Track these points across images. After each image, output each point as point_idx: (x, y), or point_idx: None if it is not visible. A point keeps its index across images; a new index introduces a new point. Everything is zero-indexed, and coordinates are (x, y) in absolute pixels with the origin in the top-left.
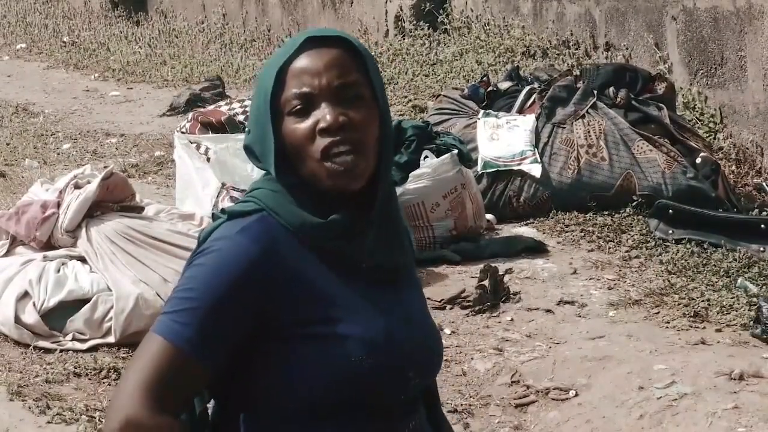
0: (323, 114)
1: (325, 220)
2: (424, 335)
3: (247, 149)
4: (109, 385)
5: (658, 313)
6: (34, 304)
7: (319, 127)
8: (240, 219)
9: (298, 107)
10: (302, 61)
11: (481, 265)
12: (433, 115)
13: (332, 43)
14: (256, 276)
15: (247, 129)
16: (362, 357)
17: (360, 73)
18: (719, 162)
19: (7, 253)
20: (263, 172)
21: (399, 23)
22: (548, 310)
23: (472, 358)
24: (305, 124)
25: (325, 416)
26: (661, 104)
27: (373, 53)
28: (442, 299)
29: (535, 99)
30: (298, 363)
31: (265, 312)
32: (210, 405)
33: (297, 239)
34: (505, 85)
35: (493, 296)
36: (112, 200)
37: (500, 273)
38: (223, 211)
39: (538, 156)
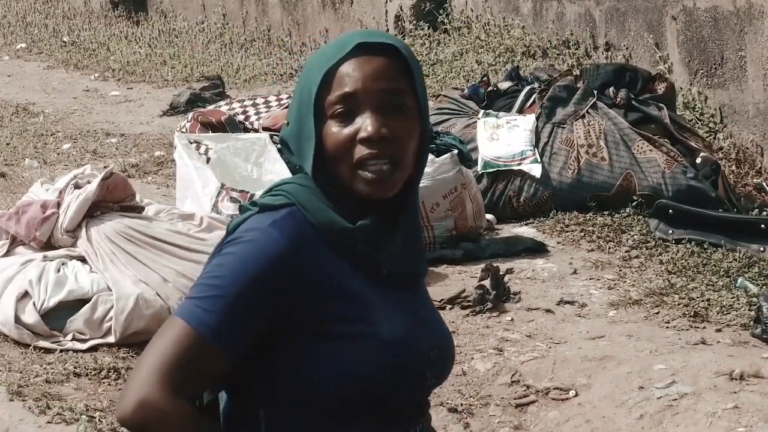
0: (365, 123)
1: (354, 226)
2: (440, 337)
3: (283, 142)
4: (109, 385)
5: (658, 313)
6: (34, 304)
7: (359, 137)
8: (271, 212)
9: (341, 111)
10: (350, 66)
11: (481, 265)
12: (433, 115)
13: (382, 51)
14: (285, 269)
15: (286, 122)
16: (386, 357)
17: (406, 83)
18: (719, 162)
19: (7, 253)
20: (265, 173)
21: (399, 23)
22: (548, 310)
23: (472, 358)
24: (347, 130)
25: (344, 415)
26: (661, 104)
27: None
28: (442, 299)
29: (535, 99)
30: (322, 360)
31: (291, 306)
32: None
33: (324, 238)
34: (505, 85)
35: (495, 297)
36: (112, 200)
37: (501, 273)
38: (254, 203)
39: (538, 156)
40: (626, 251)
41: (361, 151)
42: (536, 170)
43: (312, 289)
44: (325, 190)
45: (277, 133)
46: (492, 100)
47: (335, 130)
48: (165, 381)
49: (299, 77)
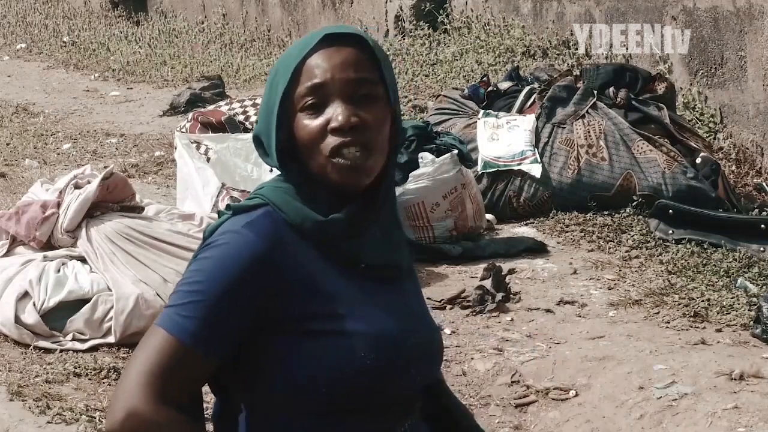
0: (335, 113)
1: (326, 218)
2: (425, 332)
3: (256, 140)
4: (109, 385)
5: (658, 313)
6: (34, 304)
7: (330, 126)
8: (245, 214)
9: (311, 103)
10: (318, 59)
11: (481, 265)
12: (433, 115)
13: (348, 41)
14: (262, 270)
15: (256, 119)
16: (367, 353)
17: (374, 72)
18: (719, 162)
19: (7, 253)
20: (265, 173)
21: (399, 23)
22: (548, 310)
23: (472, 358)
24: (317, 122)
25: (328, 413)
26: (661, 104)
27: None
28: (442, 299)
29: (535, 99)
30: (304, 358)
31: (271, 306)
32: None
33: (301, 235)
34: (505, 85)
35: (502, 299)
36: (112, 200)
37: (503, 273)
38: (228, 207)
39: (538, 156)
40: (626, 251)
41: (333, 140)
42: (536, 170)
43: (290, 288)
44: (300, 188)
45: None
46: (492, 100)
47: (306, 122)
48: (151, 390)
49: (269, 76)
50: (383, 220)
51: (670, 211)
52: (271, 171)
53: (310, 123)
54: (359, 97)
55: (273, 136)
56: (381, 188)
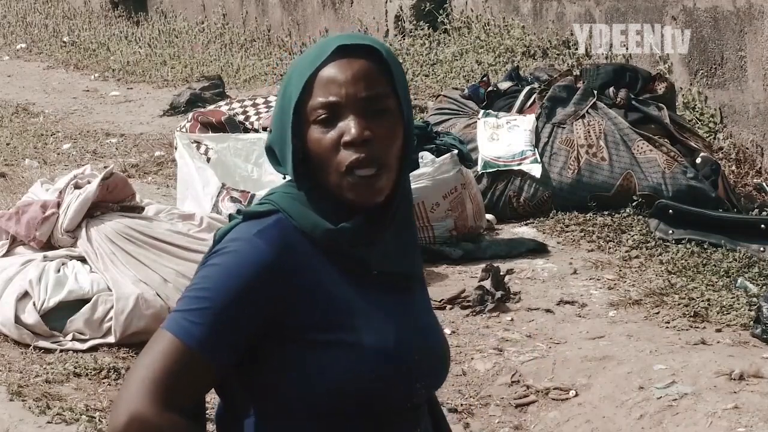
0: (348, 127)
1: (336, 227)
2: (433, 344)
3: (268, 150)
4: (109, 385)
5: (658, 313)
6: (34, 304)
7: (343, 140)
8: (256, 221)
9: (324, 116)
10: (330, 71)
11: (481, 265)
12: (433, 115)
13: (362, 53)
14: (270, 278)
15: (269, 129)
16: (372, 366)
17: (387, 85)
18: (719, 162)
19: (7, 253)
20: (265, 173)
21: (399, 23)
22: (548, 310)
23: (472, 358)
24: (330, 135)
25: (331, 422)
26: (661, 104)
27: None
28: (442, 299)
29: (535, 99)
30: (308, 367)
31: (278, 315)
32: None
33: (312, 244)
34: (505, 85)
35: (500, 299)
36: (112, 200)
37: (502, 273)
38: (239, 212)
39: (538, 156)
40: (626, 251)
41: (346, 155)
42: (536, 170)
43: (299, 298)
44: (311, 196)
45: None
46: (492, 100)
47: (319, 136)
48: (155, 395)
49: (282, 83)
50: (396, 227)
51: (670, 211)
52: (284, 178)
53: (323, 137)
54: (371, 111)
55: (289, 147)
56: (393, 200)
